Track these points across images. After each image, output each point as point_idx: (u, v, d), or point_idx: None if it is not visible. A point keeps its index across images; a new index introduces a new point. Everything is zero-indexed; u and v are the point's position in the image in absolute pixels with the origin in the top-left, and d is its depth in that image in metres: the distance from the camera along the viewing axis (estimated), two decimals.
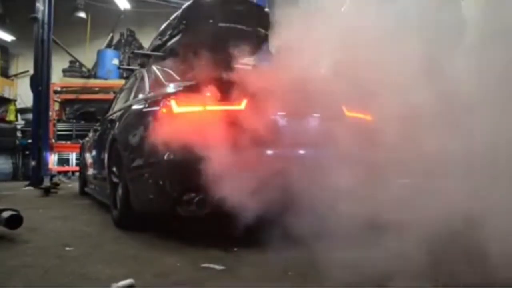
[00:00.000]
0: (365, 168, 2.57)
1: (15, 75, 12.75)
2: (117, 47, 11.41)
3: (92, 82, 10.38)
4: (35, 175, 7.26)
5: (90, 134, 5.32)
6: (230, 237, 2.35)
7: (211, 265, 2.06)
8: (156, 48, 5.88)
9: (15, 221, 2.72)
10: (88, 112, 9.60)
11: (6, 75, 12.28)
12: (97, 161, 4.31)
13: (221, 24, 4.96)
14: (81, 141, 6.91)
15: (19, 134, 10.61)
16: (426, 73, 2.58)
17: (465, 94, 2.51)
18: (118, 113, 3.75)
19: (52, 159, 8.80)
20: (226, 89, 2.60)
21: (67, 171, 9.75)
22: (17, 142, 10.24)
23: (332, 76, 2.91)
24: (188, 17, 5.16)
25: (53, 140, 9.21)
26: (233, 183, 2.29)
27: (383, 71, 2.57)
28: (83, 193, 5.63)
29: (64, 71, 10.78)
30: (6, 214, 2.71)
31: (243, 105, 2.61)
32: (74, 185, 6.95)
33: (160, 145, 2.52)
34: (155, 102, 2.91)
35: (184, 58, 4.83)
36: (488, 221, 2.12)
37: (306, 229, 2.35)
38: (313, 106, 2.81)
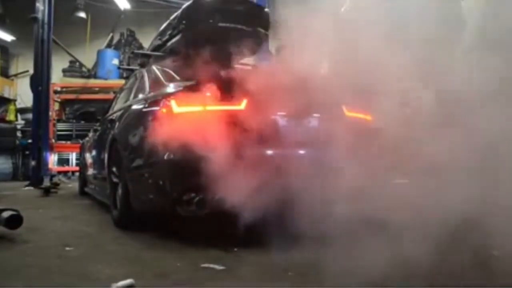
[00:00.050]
0: (364, 168, 2.57)
1: (15, 75, 12.74)
2: (117, 47, 11.41)
3: (92, 82, 10.38)
4: (35, 175, 7.26)
5: (90, 134, 5.32)
6: (230, 237, 2.35)
7: (211, 265, 2.06)
8: (156, 48, 5.88)
9: (15, 221, 2.72)
10: (88, 112, 9.60)
11: (6, 75, 12.27)
12: (97, 161, 4.31)
13: (221, 24, 4.96)
14: (81, 141, 6.91)
15: (19, 134, 10.60)
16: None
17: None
18: (118, 113, 3.75)
19: (52, 159, 8.80)
20: (226, 89, 2.60)
21: (67, 171, 9.75)
22: (17, 142, 10.23)
23: (332, 76, 2.91)
24: (188, 17, 5.16)
25: (53, 140, 9.21)
26: (233, 183, 2.29)
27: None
28: (83, 193, 5.63)
29: (64, 71, 10.78)
30: (6, 214, 2.71)
31: (243, 105, 2.61)
32: (74, 185, 6.95)
33: (160, 145, 2.52)
34: (155, 102, 2.91)
35: (184, 58, 4.83)
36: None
37: (306, 229, 2.35)
38: (313, 106, 2.81)
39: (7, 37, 12.08)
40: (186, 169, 2.49)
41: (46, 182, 6.56)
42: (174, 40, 5.32)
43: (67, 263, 2.16)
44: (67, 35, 10.20)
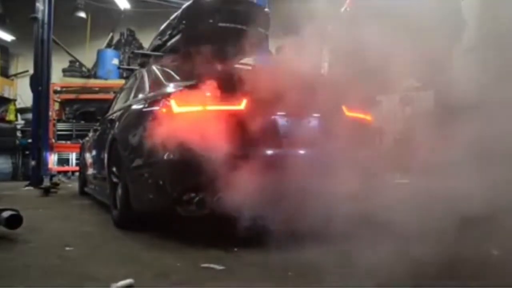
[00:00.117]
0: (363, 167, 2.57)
1: (15, 75, 12.73)
2: (117, 47, 11.41)
3: (92, 82, 10.38)
4: (35, 175, 7.25)
5: (90, 134, 5.32)
6: (230, 237, 2.34)
7: (211, 265, 2.06)
8: (156, 48, 5.88)
9: (15, 221, 2.71)
10: (88, 112, 9.60)
11: (6, 75, 12.27)
12: (97, 161, 4.31)
13: (220, 24, 4.96)
14: (81, 141, 6.91)
15: (19, 134, 10.60)
16: None
17: None
18: (118, 113, 3.75)
19: (52, 159, 8.79)
20: (225, 89, 2.59)
21: (67, 171, 9.74)
22: (17, 142, 10.23)
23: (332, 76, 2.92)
24: (188, 17, 5.16)
25: (53, 140, 9.21)
26: (233, 183, 2.29)
27: None
28: (83, 193, 5.63)
29: (64, 71, 10.78)
30: (6, 214, 2.70)
31: (242, 105, 2.61)
32: (74, 185, 6.95)
33: (160, 145, 2.52)
34: (155, 102, 2.90)
35: (184, 58, 4.83)
36: None
37: (306, 229, 2.36)
38: (313, 105, 2.81)
39: (7, 37, 12.08)
40: (186, 169, 2.49)
41: (46, 182, 6.55)
42: (174, 40, 5.33)
43: (67, 263, 2.16)
44: (67, 35, 10.19)
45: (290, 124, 2.73)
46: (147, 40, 8.13)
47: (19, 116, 11.54)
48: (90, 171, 4.84)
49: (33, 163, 7.47)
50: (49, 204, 4.80)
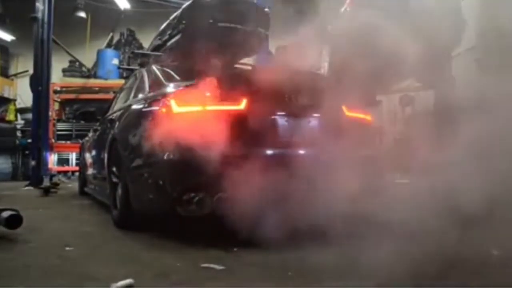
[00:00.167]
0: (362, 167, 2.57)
1: (15, 75, 12.73)
2: (117, 47, 11.41)
3: (92, 82, 10.39)
4: (35, 175, 7.25)
5: (90, 134, 5.32)
6: (230, 237, 2.34)
7: (211, 265, 2.06)
8: (156, 48, 5.87)
9: (15, 221, 2.71)
10: (88, 112, 9.61)
11: (6, 75, 12.26)
12: (97, 161, 4.30)
13: (220, 24, 4.97)
14: (80, 141, 6.91)
15: (19, 134, 10.60)
16: None
17: None
18: (118, 113, 3.75)
19: (52, 159, 8.80)
20: (225, 89, 2.59)
21: (67, 171, 9.75)
22: (17, 142, 10.23)
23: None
24: (188, 17, 5.16)
25: (53, 140, 9.21)
26: (233, 183, 2.29)
27: None
28: (82, 193, 5.63)
29: (64, 71, 10.78)
30: (5, 214, 2.70)
31: (242, 105, 2.61)
32: (74, 185, 6.95)
33: (160, 145, 2.52)
34: (155, 101, 2.90)
35: (183, 58, 4.83)
36: None
37: (306, 229, 2.36)
38: (313, 105, 2.81)
39: (7, 37, 12.08)
40: (186, 169, 2.49)
41: (46, 182, 6.55)
42: (174, 40, 5.33)
43: (67, 263, 2.16)
44: (67, 35, 10.19)
45: (290, 124, 2.73)
46: (147, 40, 8.14)
47: (19, 116, 11.54)
48: (90, 171, 4.84)
49: (33, 163, 7.46)
50: (49, 204, 4.80)
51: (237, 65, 5.07)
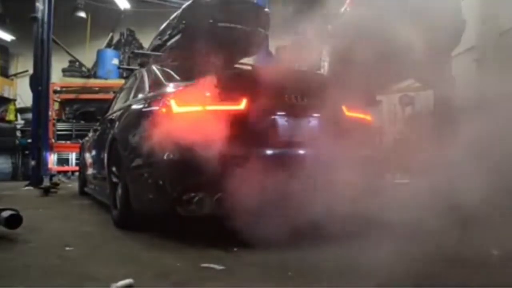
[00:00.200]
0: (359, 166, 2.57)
1: (15, 75, 12.74)
2: (117, 47, 11.41)
3: (92, 82, 10.38)
4: (35, 175, 7.25)
5: (90, 134, 5.32)
6: (230, 237, 2.34)
7: (211, 265, 2.06)
8: (156, 48, 5.88)
9: (14, 220, 2.71)
10: (87, 112, 9.61)
11: (6, 75, 12.27)
12: (97, 161, 4.30)
13: (220, 24, 4.97)
14: (80, 141, 6.91)
15: (18, 133, 10.60)
16: None
17: None
18: (118, 113, 3.75)
19: (52, 159, 8.79)
20: (225, 89, 2.59)
21: (67, 171, 9.75)
22: (17, 141, 10.23)
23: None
24: (188, 17, 5.16)
25: (53, 140, 9.21)
26: (232, 183, 2.29)
27: None
28: (82, 193, 5.63)
29: (64, 70, 10.78)
30: (5, 214, 2.70)
31: (242, 104, 2.61)
32: (74, 185, 6.95)
33: (160, 144, 2.52)
34: (154, 101, 2.90)
35: (183, 57, 4.83)
36: None
37: (306, 229, 2.36)
38: (313, 105, 2.81)
39: (7, 37, 12.08)
40: (186, 169, 2.49)
41: (46, 182, 6.55)
42: (174, 40, 5.33)
43: (67, 263, 2.16)
44: (67, 35, 10.19)
45: (290, 124, 2.73)
46: (147, 40, 8.14)
47: (19, 116, 11.55)
48: (90, 171, 4.84)
49: (33, 163, 7.46)
50: (49, 204, 4.80)
51: (237, 65, 5.08)
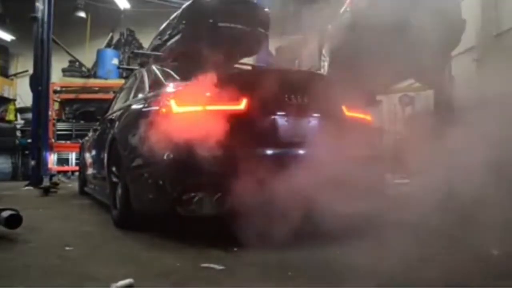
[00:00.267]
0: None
1: (15, 75, 12.74)
2: (117, 46, 11.42)
3: (92, 81, 10.39)
4: (35, 175, 7.25)
5: (90, 134, 5.32)
6: (230, 237, 2.34)
7: (211, 265, 2.06)
8: (156, 48, 5.88)
9: (14, 220, 2.71)
10: (87, 111, 9.62)
11: (5, 75, 12.28)
12: (97, 161, 4.30)
13: (220, 24, 4.97)
14: (80, 141, 6.91)
15: (18, 133, 10.61)
16: None
17: None
18: (118, 113, 3.75)
19: (52, 158, 8.79)
20: (225, 89, 2.59)
21: (67, 171, 9.75)
22: (17, 141, 10.23)
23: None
24: (188, 17, 5.17)
25: (53, 140, 9.21)
26: (232, 183, 2.29)
27: None
28: (82, 192, 5.63)
29: (64, 70, 10.79)
30: (5, 214, 2.70)
31: (242, 104, 2.61)
32: (74, 185, 6.95)
33: (160, 144, 2.52)
34: (154, 101, 2.90)
35: (183, 57, 4.83)
36: None
37: (305, 229, 2.36)
38: (312, 105, 2.81)
39: (7, 37, 12.09)
40: (186, 169, 2.49)
41: (46, 182, 6.54)
42: (174, 40, 5.33)
43: (67, 263, 2.16)
44: (67, 35, 10.20)
45: (290, 124, 2.73)
46: (147, 40, 8.15)
47: (18, 116, 11.55)
48: (90, 171, 4.84)
49: (32, 163, 7.46)
50: (49, 204, 4.80)
51: (237, 65, 5.08)
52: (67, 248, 2.47)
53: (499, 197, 2.49)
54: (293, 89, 2.76)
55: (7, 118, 11.30)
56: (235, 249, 2.35)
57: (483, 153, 2.63)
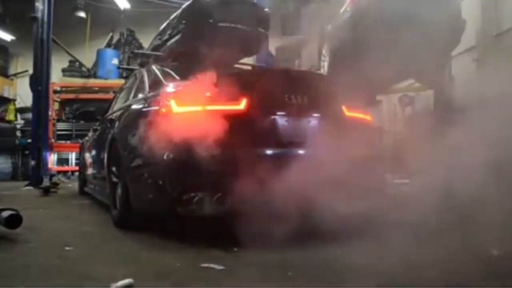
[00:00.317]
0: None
1: (15, 75, 12.74)
2: (116, 46, 11.42)
3: (92, 81, 10.39)
4: (35, 175, 7.25)
5: (90, 134, 5.32)
6: (230, 237, 2.34)
7: (211, 265, 2.06)
8: (156, 48, 5.88)
9: (14, 220, 2.71)
10: (87, 111, 9.62)
11: (5, 75, 12.28)
12: (97, 161, 4.30)
13: (220, 24, 4.97)
14: (80, 141, 6.91)
15: (18, 133, 10.60)
16: None
17: None
18: (118, 113, 3.75)
19: (52, 158, 8.79)
20: (225, 89, 2.59)
21: (67, 171, 9.75)
22: (17, 141, 10.23)
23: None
24: (188, 17, 5.17)
25: (53, 140, 9.21)
26: (232, 183, 2.29)
27: None
28: (82, 192, 5.63)
29: (63, 70, 10.78)
30: (5, 214, 2.70)
31: (242, 104, 2.61)
32: (74, 185, 6.95)
33: (160, 144, 2.52)
34: (154, 101, 2.90)
35: (183, 57, 4.83)
36: None
37: (305, 229, 2.36)
38: (312, 105, 2.81)
39: (7, 36, 12.09)
40: (186, 169, 2.49)
41: (46, 182, 6.54)
42: (174, 39, 5.33)
43: (67, 263, 2.16)
44: (67, 35, 10.20)
45: (290, 124, 2.73)
46: (147, 40, 8.15)
47: (18, 116, 11.55)
48: (90, 171, 4.84)
49: (32, 163, 7.46)
50: (49, 204, 4.80)
51: (237, 65, 5.08)
52: (67, 248, 2.47)
53: (499, 197, 2.49)
54: (293, 89, 2.76)
55: (7, 118, 11.30)
56: (235, 249, 2.36)
57: (483, 153, 2.63)
